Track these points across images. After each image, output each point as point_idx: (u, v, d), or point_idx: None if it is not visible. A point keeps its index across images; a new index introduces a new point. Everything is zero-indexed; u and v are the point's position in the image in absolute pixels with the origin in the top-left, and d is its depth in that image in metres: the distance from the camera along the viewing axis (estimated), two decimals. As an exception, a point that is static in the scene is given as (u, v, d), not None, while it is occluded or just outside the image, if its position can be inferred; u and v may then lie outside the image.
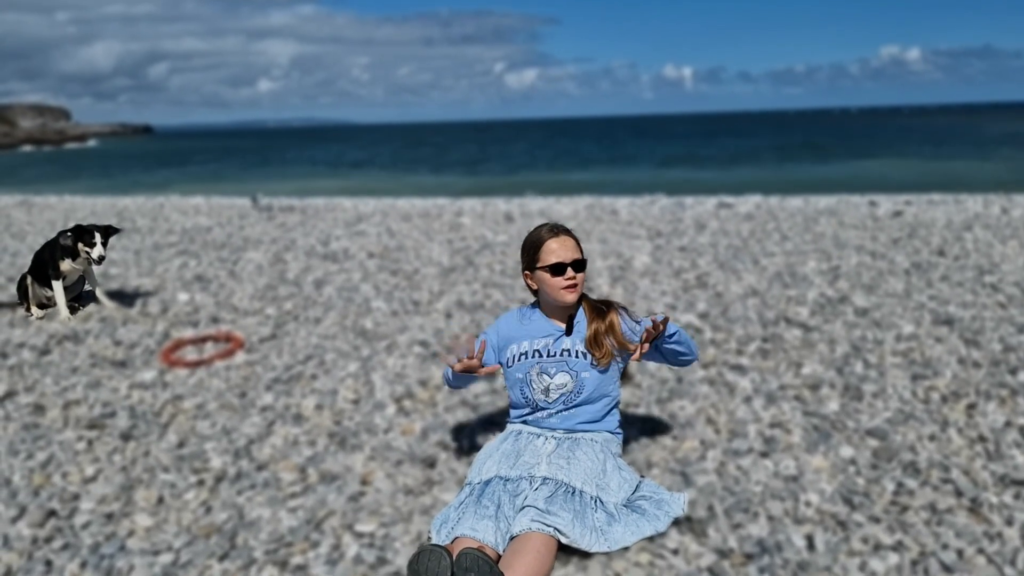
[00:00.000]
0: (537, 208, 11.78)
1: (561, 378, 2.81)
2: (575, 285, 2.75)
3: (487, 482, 2.66)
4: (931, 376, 3.92)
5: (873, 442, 3.28)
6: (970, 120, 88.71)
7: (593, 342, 2.78)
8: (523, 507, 2.47)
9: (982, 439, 3.27)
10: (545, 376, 2.82)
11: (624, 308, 2.88)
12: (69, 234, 5.30)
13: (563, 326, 2.85)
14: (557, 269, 2.72)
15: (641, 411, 3.66)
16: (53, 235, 5.40)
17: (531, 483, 2.58)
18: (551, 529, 2.40)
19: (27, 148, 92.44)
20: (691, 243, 7.64)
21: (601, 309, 2.85)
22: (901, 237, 7.65)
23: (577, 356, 2.80)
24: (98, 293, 5.62)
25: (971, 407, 3.58)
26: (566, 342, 2.83)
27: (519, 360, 2.86)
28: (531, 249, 2.82)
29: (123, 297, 5.81)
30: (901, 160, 31.94)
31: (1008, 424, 3.40)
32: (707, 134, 71.21)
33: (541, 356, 2.83)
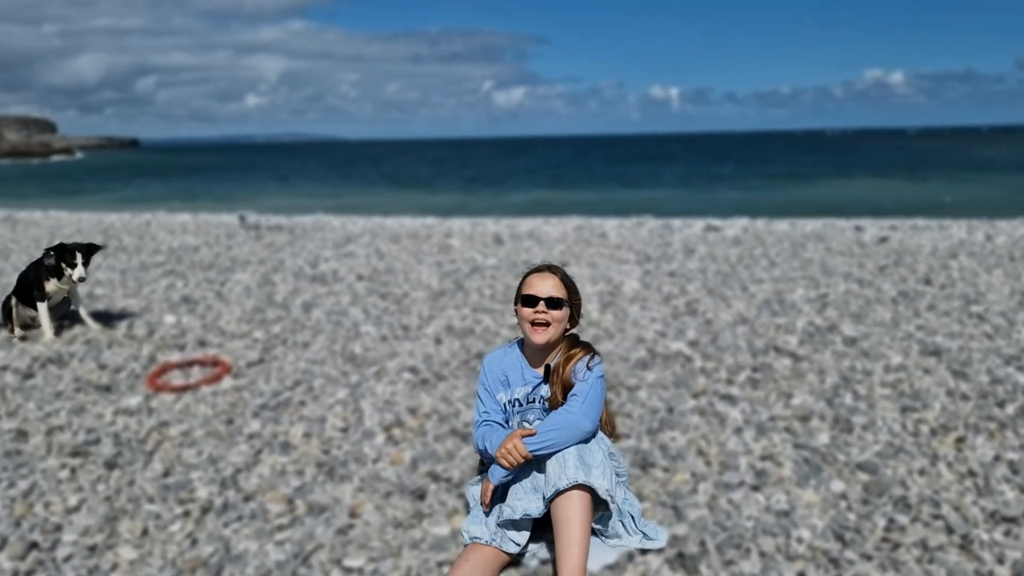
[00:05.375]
0: (526, 229, 11.80)
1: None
2: (546, 324, 2.71)
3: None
4: (920, 408, 3.94)
5: (864, 476, 3.28)
6: (952, 143, 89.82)
7: (551, 379, 2.76)
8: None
9: (972, 474, 3.28)
10: (525, 424, 2.80)
11: (594, 354, 2.78)
12: (52, 253, 5.26)
13: (541, 372, 2.81)
14: (529, 301, 2.73)
15: (632, 442, 3.64)
16: (38, 253, 5.35)
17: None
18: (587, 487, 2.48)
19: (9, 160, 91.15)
20: (680, 268, 7.67)
21: (573, 346, 2.80)
22: (887, 264, 7.70)
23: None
24: (83, 314, 5.56)
25: (960, 440, 3.59)
26: (544, 389, 2.80)
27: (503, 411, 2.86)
28: (519, 283, 2.86)
29: (109, 318, 5.75)
30: (885, 181, 32.27)
31: (997, 459, 3.41)
32: (693, 154, 71.67)
33: (521, 405, 2.82)
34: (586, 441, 2.59)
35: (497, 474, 2.64)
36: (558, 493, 2.47)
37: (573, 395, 2.65)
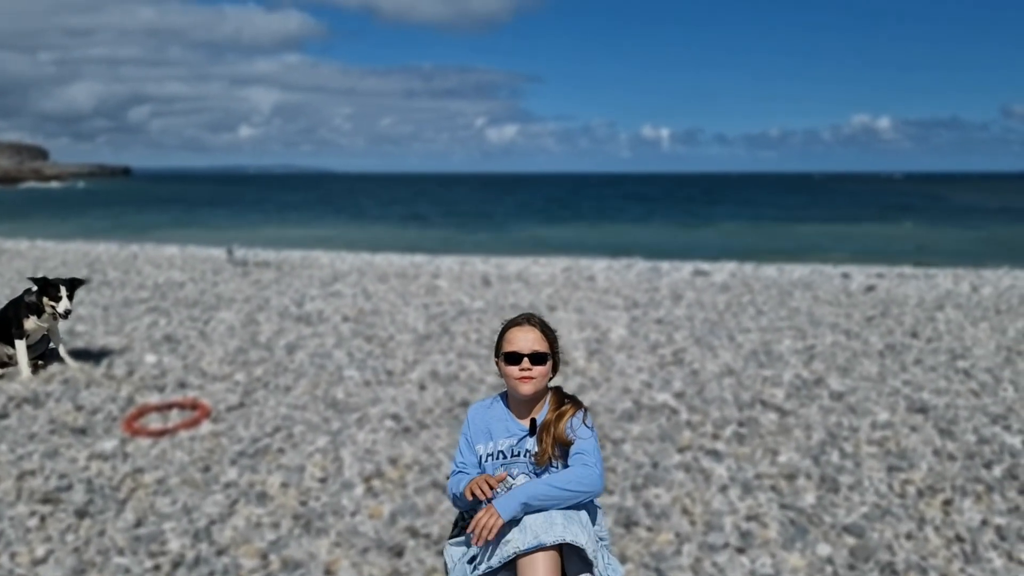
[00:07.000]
0: (515, 270, 11.79)
1: (523, 479, 2.72)
2: (531, 377, 2.66)
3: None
4: (907, 468, 3.90)
5: (850, 540, 3.22)
6: (937, 188, 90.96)
7: (540, 435, 2.70)
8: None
9: (959, 539, 3.23)
10: (508, 479, 2.74)
11: (585, 410, 2.71)
12: (33, 290, 5.18)
13: (527, 425, 2.74)
14: (512, 358, 2.68)
15: (615, 499, 3.58)
16: (21, 287, 5.27)
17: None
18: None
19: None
20: (667, 315, 7.65)
21: (562, 403, 2.73)
22: (875, 316, 7.71)
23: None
24: (62, 352, 5.47)
25: (947, 503, 3.54)
26: (529, 443, 2.75)
27: (486, 462, 2.78)
28: (499, 336, 2.80)
29: (88, 357, 5.66)
30: (871, 225, 32.56)
31: (984, 523, 3.36)
32: (683, 194, 72.16)
33: (505, 457, 2.76)
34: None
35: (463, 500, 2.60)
36: (535, 550, 2.41)
37: (578, 453, 2.59)
